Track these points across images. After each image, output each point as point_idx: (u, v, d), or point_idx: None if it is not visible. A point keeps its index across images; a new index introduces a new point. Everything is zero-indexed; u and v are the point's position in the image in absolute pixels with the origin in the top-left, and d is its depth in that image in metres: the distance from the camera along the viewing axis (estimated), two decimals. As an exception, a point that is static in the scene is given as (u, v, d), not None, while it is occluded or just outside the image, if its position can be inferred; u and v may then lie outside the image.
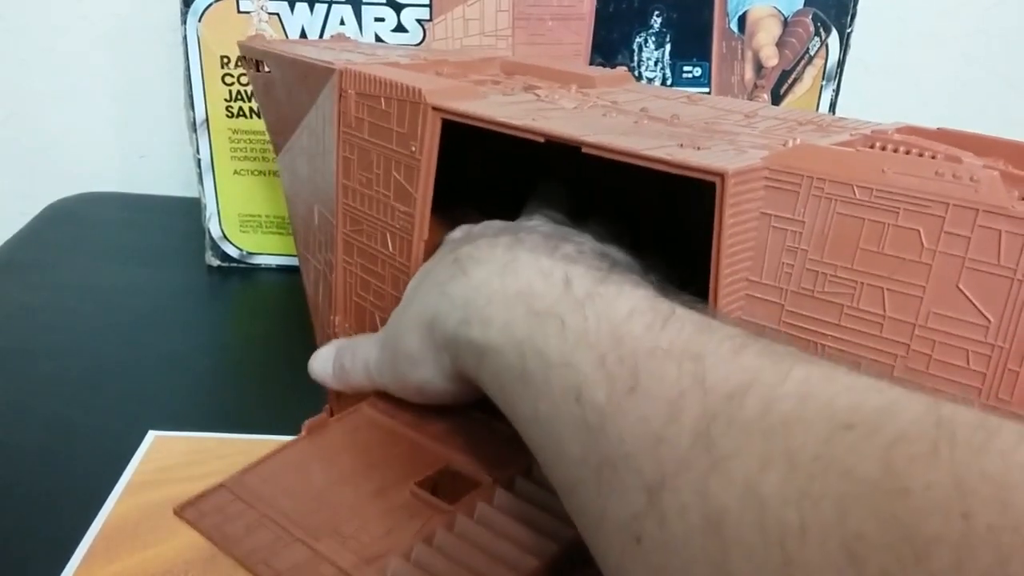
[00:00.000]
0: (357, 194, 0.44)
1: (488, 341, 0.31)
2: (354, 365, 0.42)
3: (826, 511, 0.20)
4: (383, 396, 0.42)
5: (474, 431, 0.40)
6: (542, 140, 0.36)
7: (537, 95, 0.44)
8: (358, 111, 0.43)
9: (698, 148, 0.33)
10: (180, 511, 0.34)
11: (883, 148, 0.34)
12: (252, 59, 0.55)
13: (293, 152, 0.53)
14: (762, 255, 0.32)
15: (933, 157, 0.32)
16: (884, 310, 0.30)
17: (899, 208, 0.30)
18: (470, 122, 0.38)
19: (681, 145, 0.33)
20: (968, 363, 0.29)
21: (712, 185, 0.31)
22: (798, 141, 0.35)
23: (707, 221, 0.41)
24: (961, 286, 0.29)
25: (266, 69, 0.54)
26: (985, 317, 0.29)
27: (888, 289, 0.30)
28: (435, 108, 0.39)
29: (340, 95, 0.44)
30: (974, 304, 0.29)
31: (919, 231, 0.29)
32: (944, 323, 0.30)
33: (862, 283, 0.31)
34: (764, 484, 0.22)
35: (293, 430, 0.52)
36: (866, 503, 0.20)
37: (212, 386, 0.61)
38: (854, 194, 0.30)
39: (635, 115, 0.41)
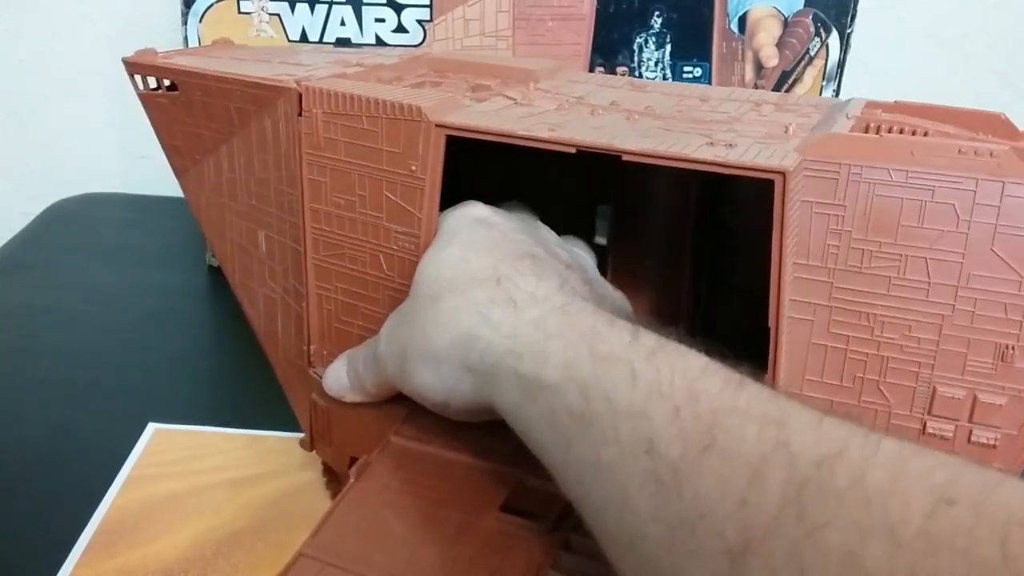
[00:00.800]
0: (333, 218, 0.43)
1: (542, 377, 0.30)
2: (365, 364, 0.41)
3: None
4: (404, 424, 0.41)
5: (516, 437, 0.40)
6: (573, 151, 0.36)
7: (511, 98, 0.43)
8: (328, 131, 0.41)
9: (730, 146, 0.35)
10: None
11: (878, 130, 0.38)
12: (144, 77, 0.50)
13: (212, 176, 0.50)
14: (807, 239, 0.35)
15: (926, 134, 0.36)
16: (929, 277, 0.34)
17: (934, 186, 0.33)
18: (484, 137, 0.37)
19: (710, 143, 0.35)
20: (1006, 314, 0.33)
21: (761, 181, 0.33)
22: (793, 127, 0.38)
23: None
24: (995, 249, 0.33)
25: (167, 86, 0.49)
26: (1018, 274, 0.33)
27: (931, 258, 0.33)
28: (439, 125, 0.38)
29: (300, 114, 0.42)
30: (1008, 263, 0.33)
31: (954, 205, 0.33)
32: (983, 282, 0.33)
33: (906, 255, 0.34)
34: (867, 557, 0.22)
35: (293, 426, 0.53)
36: None
37: (212, 384, 0.61)
38: (890, 177, 0.33)
39: (618, 111, 0.41)
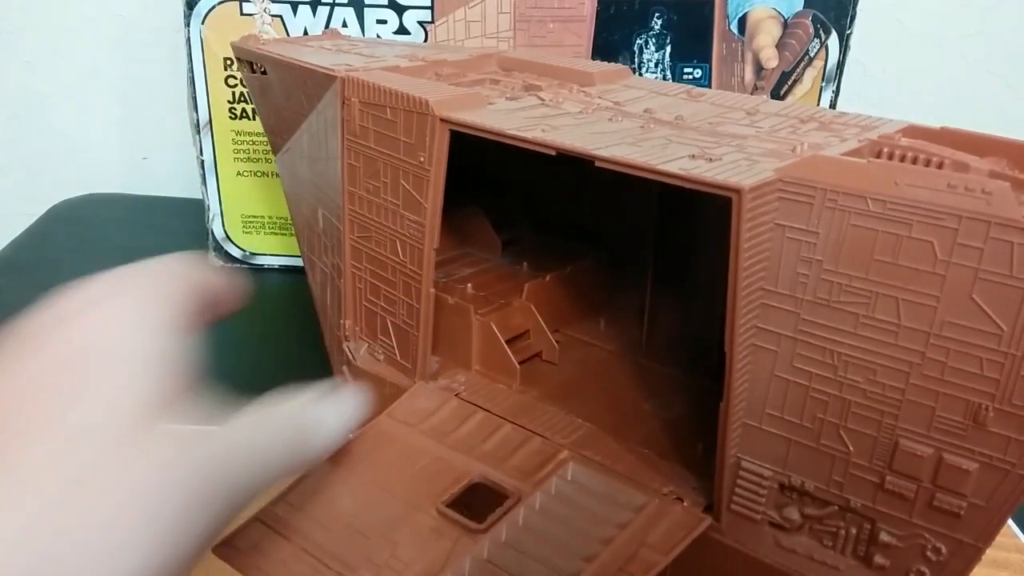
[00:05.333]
0: (364, 201, 0.45)
1: None
2: None
3: None
4: (401, 404, 0.42)
5: (494, 435, 0.40)
6: (554, 153, 0.36)
7: (541, 99, 0.44)
8: (363, 120, 0.43)
9: (710, 160, 0.33)
10: (216, 551, 0.33)
11: (891, 156, 0.34)
12: (246, 60, 0.55)
13: (293, 154, 0.53)
14: (777, 265, 0.33)
15: (940, 165, 0.32)
16: (899, 319, 0.31)
17: (913, 220, 0.30)
18: (479, 134, 0.38)
19: (693, 156, 0.34)
20: (982, 370, 0.30)
21: (725, 199, 0.31)
22: (805, 146, 0.35)
23: (708, 224, 0.41)
24: (975, 296, 0.29)
25: (261, 71, 0.54)
26: (999, 326, 0.29)
27: (903, 299, 0.31)
28: (443, 120, 0.39)
29: (343, 103, 0.44)
30: (987, 314, 0.29)
31: (933, 243, 0.30)
32: (958, 332, 0.30)
33: (877, 293, 0.31)
34: None
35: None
36: None
37: (214, 383, 0.61)
38: (868, 206, 0.30)
39: (640, 118, 0.41)
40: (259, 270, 0.79)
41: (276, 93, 0.52)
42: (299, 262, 0.77)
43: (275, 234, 0.78)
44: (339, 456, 0.38)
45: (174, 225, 0.87)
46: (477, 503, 0.36)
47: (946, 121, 0.38)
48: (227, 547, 0.33)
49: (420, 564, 0.33)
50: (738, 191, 0.31)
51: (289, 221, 0.77)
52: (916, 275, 0.30)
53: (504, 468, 0.38)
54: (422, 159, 0.40)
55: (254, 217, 0.77)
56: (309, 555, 0.33)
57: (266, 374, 0.62)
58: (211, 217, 0.77)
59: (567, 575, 0.32)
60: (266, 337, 0.69)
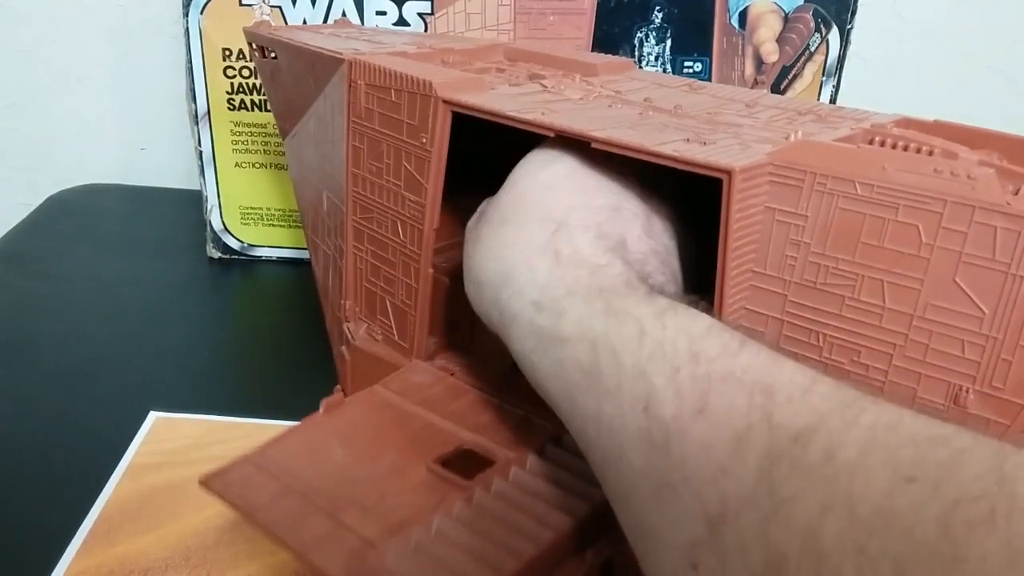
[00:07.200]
0: (367, 183, 0.45)
1: (557, 330, 0.31)
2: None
3: (883, 570, 0.20)
4: (395, 378, 0.43)
5: (485, 412, 0.41)
6: (552, 135, 0.37)
7: (543, 86, 0.44)
8: (368, 102, 0.44)
9: (704, 143, 0.34)
10: (205, 482, 0.34)
11: (882, 143, 0.35)
12: (258, 45, 0.56)
13: (300, 138, 0.54)
14: (766, 247, 0.33)
15: (931, 153, 0.33)
16: (884, 301, 0.31)
17: (899, 204, 0.30)
18: (481, 115, 0.39)
19: (688, 140, 0.34)
20: (963, 352, 0.30)
21: (718, 180, 0.32)
22: (799, 134, 0.36)
23: (710, 211, 0.41)
24: (958, 279, 0.30)
25: (272, 56, 0.54)
26: (980, 309, 0.30)
27: (888, 282, 0.31)
28: (446, 101, 0.40)
29: (350, 85, 0.44)
30: (970, 297, 0.30)
31: (918, 226, 0.30)
32: (941, 314, 0.30)
33: (863, 275, 0.31)
34: (824, 533, 0.21)
35: (293, 415, 0.53)
36: (924, 568, 0.20)
37: (213, 373, 0.61)
38: (856, 190, 0.31)
39: (639, 106, 0.41)
40: (257, 261, 0.79)
41: (286, 77, 0.53)
42: (297, 254, 0.78)
43: (273, 226, 0.78)
44: (334, 414, 0.40)
45: (172, 216, 0.87)
46: (466, 467, 0.37)
47: (946, 117, 0.38)
48: (215, 481, 0.34)
49: (408, 511, 0.33)
50: (729, 172, 0.31)
51: (287, 212, 0.77)
52: (901, 258, 0.31)
53: (494, 439, 0.39)
54: (424, 140, 0.41)
55: (252, 208, 0.77)
56: (297, 493, 0.34)
57: (263, 365, 0.62)
58: (209, 208, 0.76)
59: (553, 527, 0.33)
60: (263, 328, 0.69)
